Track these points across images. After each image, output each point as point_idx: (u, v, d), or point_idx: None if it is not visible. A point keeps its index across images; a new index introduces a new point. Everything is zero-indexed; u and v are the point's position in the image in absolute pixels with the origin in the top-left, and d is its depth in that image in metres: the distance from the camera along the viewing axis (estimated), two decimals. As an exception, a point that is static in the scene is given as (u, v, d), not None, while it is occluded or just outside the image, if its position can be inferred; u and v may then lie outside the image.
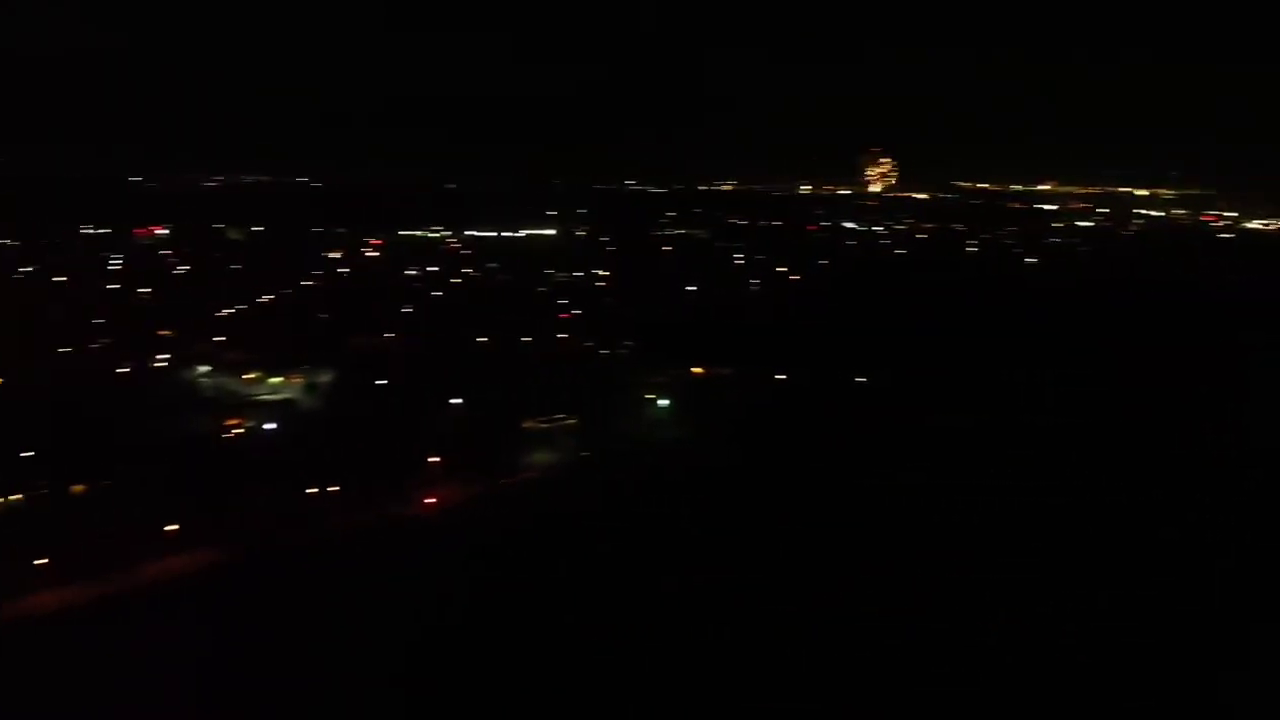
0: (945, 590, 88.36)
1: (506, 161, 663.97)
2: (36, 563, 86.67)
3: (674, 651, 78.11)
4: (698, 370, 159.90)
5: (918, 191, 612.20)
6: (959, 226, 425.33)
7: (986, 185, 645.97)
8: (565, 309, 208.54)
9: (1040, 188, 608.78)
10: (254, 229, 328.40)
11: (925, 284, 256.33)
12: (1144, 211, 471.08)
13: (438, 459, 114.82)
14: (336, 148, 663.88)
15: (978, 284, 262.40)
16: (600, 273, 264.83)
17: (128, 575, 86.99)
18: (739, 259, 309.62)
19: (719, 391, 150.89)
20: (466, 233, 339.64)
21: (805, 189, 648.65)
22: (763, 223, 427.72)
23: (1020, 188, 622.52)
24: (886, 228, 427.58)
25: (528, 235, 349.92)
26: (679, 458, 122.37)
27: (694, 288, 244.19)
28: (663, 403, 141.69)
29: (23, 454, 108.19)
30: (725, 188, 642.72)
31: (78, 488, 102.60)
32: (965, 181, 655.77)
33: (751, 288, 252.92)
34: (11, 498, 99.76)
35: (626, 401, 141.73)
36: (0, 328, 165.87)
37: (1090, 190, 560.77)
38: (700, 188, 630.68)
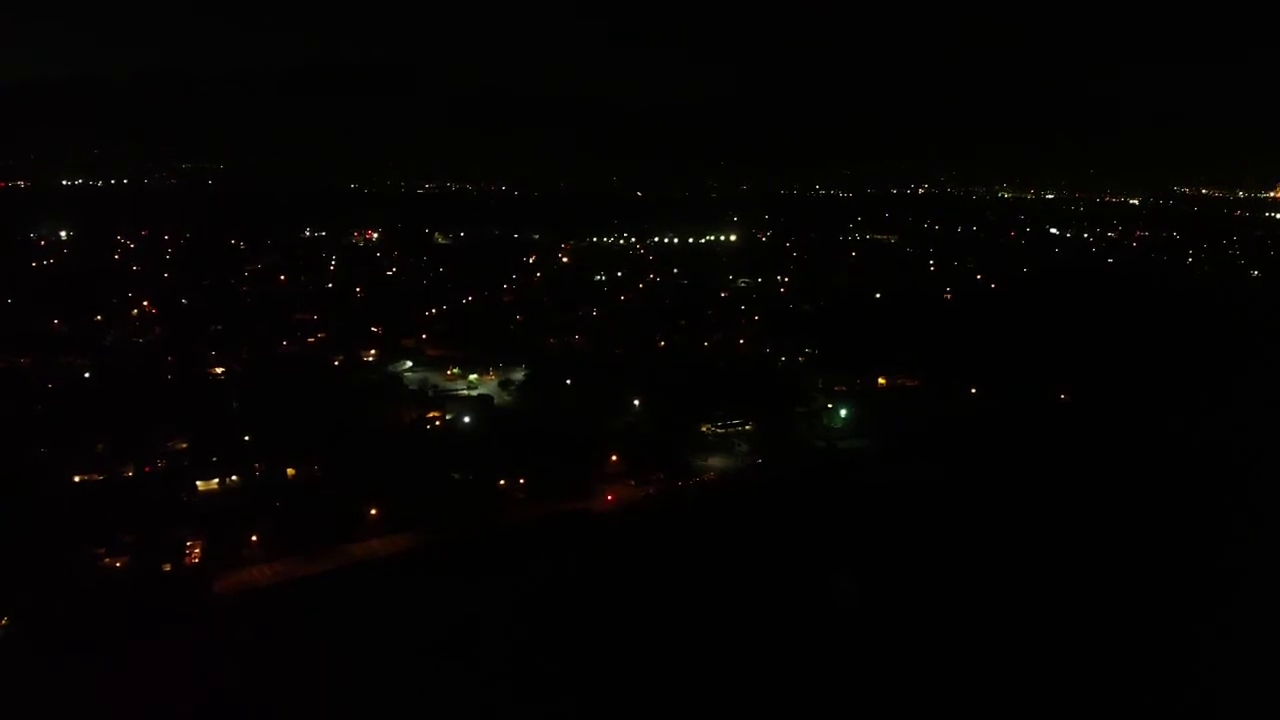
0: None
1: (693, 167, 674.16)
2: (251, 539, 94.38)
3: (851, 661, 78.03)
4: (882, 380, 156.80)
5: (1130, 196, 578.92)
6: (1174, 234, 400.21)
7: (1206, 190, 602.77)
8: (745, 314, 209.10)
9: (1272, 194, 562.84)
10: (459, 234, 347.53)
11: (1133, 294, 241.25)
12: None
13: (617, 458, 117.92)
14: (526, 157, 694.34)
15: (1194, 296, 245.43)
16: (782, 278, 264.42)
17: (334, 554, 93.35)
18: (932, 265, 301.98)
19: (903, 403, 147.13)
20: (652, 238, 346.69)
21: (1005, 193, 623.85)
22: (959, 228, 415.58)
23: (1246, 194, 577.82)
24: (1094, 234, 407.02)
25: (712, 240, 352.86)
26: (854, 470, 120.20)
27: (879, 294, 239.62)
28: (842, 412, 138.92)
29: (242, 438, 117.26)
30: (919, 191, 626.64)
31: (290, 471, 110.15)
32: (1184, 186, 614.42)
33: (945, 295, 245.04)
34: (230, 478, 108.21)
35: (805, 409, 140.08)
36: (225, 322, 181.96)
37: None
38: (892, 191, 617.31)
